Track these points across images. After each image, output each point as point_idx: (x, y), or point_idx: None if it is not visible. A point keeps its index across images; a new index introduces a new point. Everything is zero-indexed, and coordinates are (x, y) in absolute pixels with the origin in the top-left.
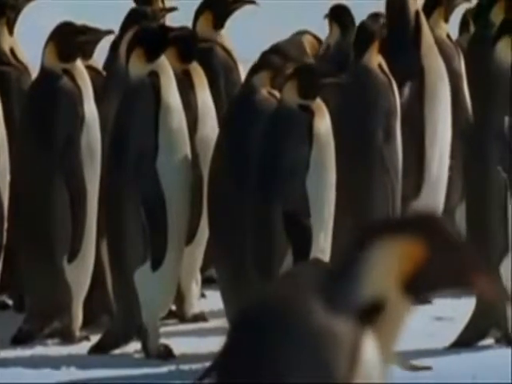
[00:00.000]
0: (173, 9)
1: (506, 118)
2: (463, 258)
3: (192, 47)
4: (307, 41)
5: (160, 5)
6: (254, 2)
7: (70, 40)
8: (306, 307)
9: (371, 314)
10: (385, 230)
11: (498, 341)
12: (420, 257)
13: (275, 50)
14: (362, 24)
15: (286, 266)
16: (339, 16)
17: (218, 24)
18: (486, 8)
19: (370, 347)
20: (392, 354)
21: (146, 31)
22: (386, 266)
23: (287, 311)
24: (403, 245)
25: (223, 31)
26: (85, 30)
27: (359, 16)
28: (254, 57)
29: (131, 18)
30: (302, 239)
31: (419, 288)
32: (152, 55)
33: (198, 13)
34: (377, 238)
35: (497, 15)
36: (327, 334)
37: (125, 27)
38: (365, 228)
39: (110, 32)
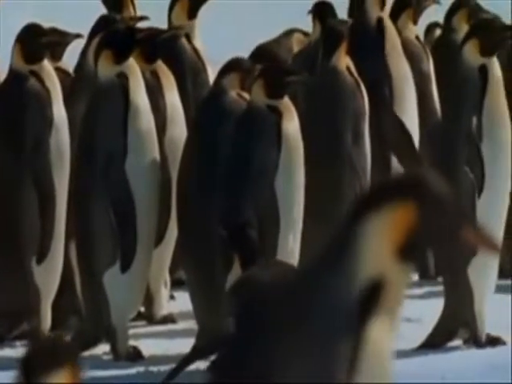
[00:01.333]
0: (143, 18)
1: (475, 120)
2: (452, 215)
3: (157, 47)
4: (296, 39)
5: (131, 9)
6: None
7: (35, 41)
8: (308, 298)
9: (374, 295)
10: (374, 201)
11: (466, 342)
12: (411, 222)
13: (261, 50)
14: (329, 25)
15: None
16: (321, 13)
17: (193, 12)
18: (452, 12)
19: (374, 336)
20: (397, 324)
21: (113, 33)
22: (379, 241)
23: (290, 304)
24: (394, 215)
25: (196, 28)
26: (50, 31)
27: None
28: (224, 58)
29: (101, 25)
30: (247, 250)
31: (413, 252)
32: (120, 57)
33: (174, 1)
34: (367, 212)
35: (460, 20)
36: (331, 330)
37: (94, 33)
38: (356, 201)
39: (78, 36)
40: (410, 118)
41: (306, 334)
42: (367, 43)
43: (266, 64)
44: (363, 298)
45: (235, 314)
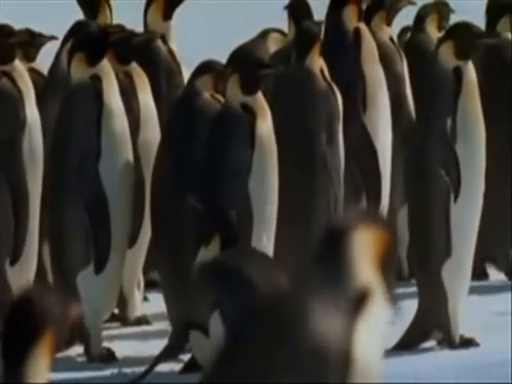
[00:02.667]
0: (119, 26)
1: (449, 121)
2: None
3: (130, 48)
4: (273, 39)
5: (107, 11)
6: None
7: (5, 42)
8: (301, 311)
9: (363, 303)
10: (353, 225)
11: (440, 343)
12: (386, 242)
13: (239, 52)
14: (303, 26)
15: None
16: (295, 12)
17: (168, 14)
18: (423, 15)
19: (364, 344)
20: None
21: (86, 36)
22: (364, 257)
23: (283, 316)
24: (373, 235)
25: (171, 29)
26: (20, 32)
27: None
28: (199, 60)
29: (75, 30)
30: (228, 228)
31: (389, 266)
32: (93, 59)
33: (150, 1)
34: (349, 233)
35: (431, 23)
36: (324, 339)
37: (68, 38)
38: (334, 225)
39: (53, 38)
40: (383, 126)
41: (299, 344)
42: (343, 48)
43: (241, 59)
44: (353, 308)
45: (226, 329)
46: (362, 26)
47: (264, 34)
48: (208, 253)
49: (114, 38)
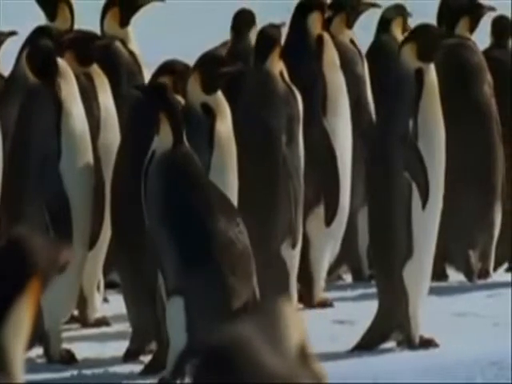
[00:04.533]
0: (77, 31)
1: (411, 122)
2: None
3: (91, 49)
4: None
5: (66, 11)
6: (161, 0)
7: None
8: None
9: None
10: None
11: (399, 343)
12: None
13: (208, 54)
14: (263, 30)
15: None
16: (234, 20)
17: (125, 21)
18: (389, 18)
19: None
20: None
21: (38, 50)
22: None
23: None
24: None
25: (130, 34)
26: None
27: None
28: (160, 61)
29: (36, 35)
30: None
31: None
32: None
33: (106, 9)
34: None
35: (396, 25)
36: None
37: (28, 42)
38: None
39: (13, 33)
40: (343, 130)
41: None
42: (305, 54)
43: (201, 59)
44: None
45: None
46: (325, 34)
47: (225, 44)
48: (161, 141)
49: (74, 38)
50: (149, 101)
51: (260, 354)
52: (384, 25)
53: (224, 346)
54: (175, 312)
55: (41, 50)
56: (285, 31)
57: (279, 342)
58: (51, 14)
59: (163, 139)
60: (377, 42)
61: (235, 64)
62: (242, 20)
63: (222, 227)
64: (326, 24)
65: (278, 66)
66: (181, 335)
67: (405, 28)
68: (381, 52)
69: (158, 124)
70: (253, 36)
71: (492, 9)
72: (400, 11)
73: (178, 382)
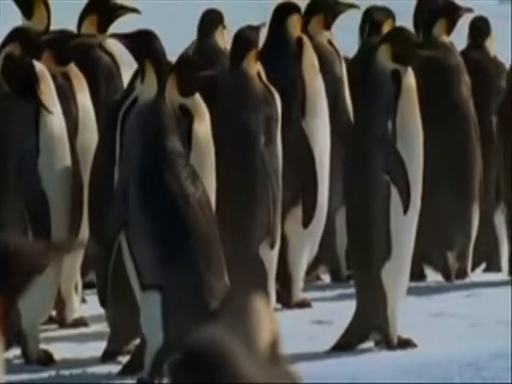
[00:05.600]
0: (55, 31)
1: (389, 123)
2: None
3: (69, 49)
4: None
5: (43, 11)
6: (137, 11)
7: None
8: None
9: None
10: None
11: (378, 343)
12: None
13: (185, 58)
14: (240, 32)
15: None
16: (201, 20)
17: (102, 28)
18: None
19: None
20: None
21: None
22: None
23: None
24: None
25: (108, 39)
26: None
27: None
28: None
29: (13, 36)
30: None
31: None
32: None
33: (83, 15)
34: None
35: (386, 28)
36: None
37: (5, 44)
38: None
39: None
40: (322, 132)
41: None
42: (285, 56)
43: (178, 62)
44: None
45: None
46: (305, 37)
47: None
48: (144, 90)
49: (51, 37)
50: (134, 48)
51: (232, 353)
52: (374, 27)
53: (198, 347)
54: (151, 308)
55: (17, 67)
56: (264, 32)
57: (250, 340)
58: (27, 13)
59: (147, 88)
60: (367, 45)
61: (212, 68)
62: (209, 20)
63: (197, 217)
64: (304, 25)
65: (254, 67)
66: (157, 333)
67: None
68: (370, 54)
69: (142, 72)
70: (219, 36)
71: (469, 10)
72: (390, 14)
73: (157, 381)
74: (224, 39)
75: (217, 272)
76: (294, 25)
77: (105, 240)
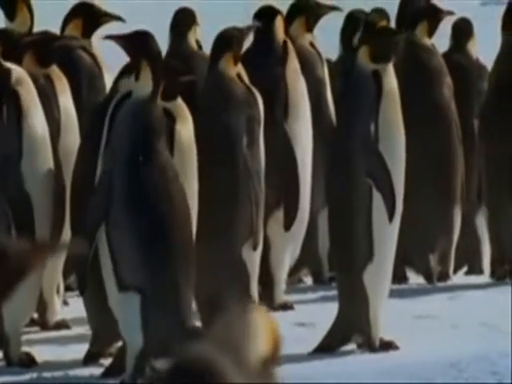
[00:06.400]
0: (37, 33)
1: (371, 125)
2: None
3: (51, 50)
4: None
5: (25, 12)
6: (121, 20)
7: None
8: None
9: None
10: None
11: (360, 346)
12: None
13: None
14: (220, 32)
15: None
16: (173, 20)
17: (87, 33)
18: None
19: None
20: None
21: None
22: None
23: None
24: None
25: (92, 43)
26: None
27: None
28: (121, 63)
29: None
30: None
31: None
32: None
33: (68, 19)
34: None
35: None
36: None
37: None
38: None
39: None
40: (304, 134)
41: None
42: (269, 59)
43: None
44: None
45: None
46: (289, 40)
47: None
48: (139, 87)
49: (34, 40)
50: (131, 48)
51: (220, 369)
52: (369, 29)
53: (186, 362)
54: (130, 310)
55: None
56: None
57: (241, 356)
58: (10, 15)
59: (142, 85)
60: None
61: (192, 72)
62: (182, 20)
63: (179, 219)
64: (286, 28)
65: (233, 68)
66: (137, 335)
67: None
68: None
69: (137, 71)
70: (193, 36)
71: (451, 13)
72: (384, 15)
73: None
74: (197, 38)
75: (192, 275)
76: (279, 27)
77: (87, 227)
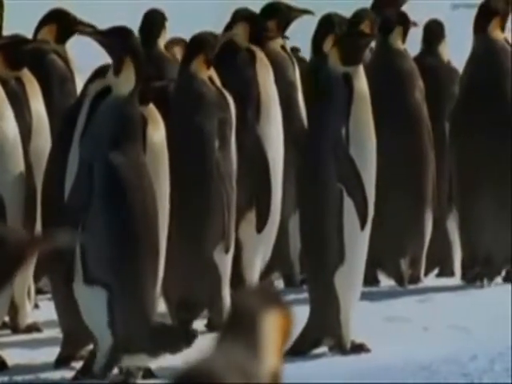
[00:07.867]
0: (10, 38)
1: (342, 127)
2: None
3: (21, 53)
4: (178, 50)
5: None
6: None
7: None
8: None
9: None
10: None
11: (331, 348)
12: (288, 325)
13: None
14: (192, 37)
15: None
16: (142, 23)
17: (61, 39)
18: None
19: None
20: None
21: None
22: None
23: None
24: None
25: (64, 49)
26: None
27: None
28: (93, 65)
29: None
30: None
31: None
32: None
33: (42, 23)
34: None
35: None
36: None
37: None
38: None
39: None
40: (275, 137)
41: None
42: (239, 62)
43: None
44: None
45: None
46: (252, 47)
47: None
48: (120, 81)
49: (5, 43)
50: (110, 44)
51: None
52: (354, 27)
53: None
54: (97, 305)
55: None
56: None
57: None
58: None
59: (124, 81)
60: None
61: (163, 77)
62: (151, 22)
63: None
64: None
65: (204, 71)
66: (104, 331)
67: (372, 32)
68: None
69: (118, 67)
70: (163, 39)
71: (415, 24)
72: (368, 15)
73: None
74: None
75: (158, 272)
76: (242, 34)
77: (69, 217)
